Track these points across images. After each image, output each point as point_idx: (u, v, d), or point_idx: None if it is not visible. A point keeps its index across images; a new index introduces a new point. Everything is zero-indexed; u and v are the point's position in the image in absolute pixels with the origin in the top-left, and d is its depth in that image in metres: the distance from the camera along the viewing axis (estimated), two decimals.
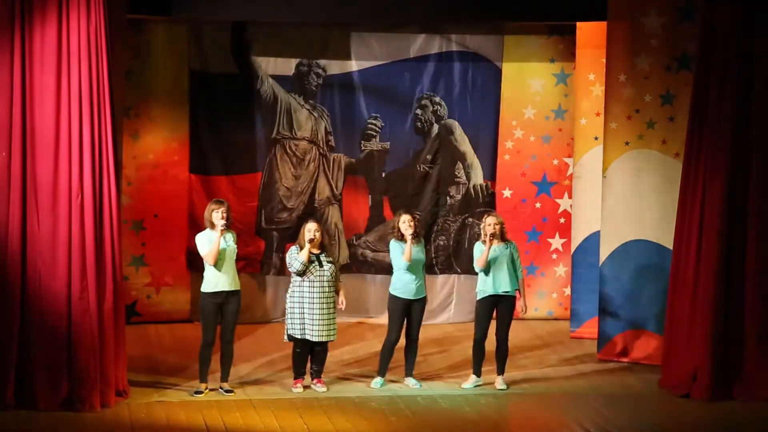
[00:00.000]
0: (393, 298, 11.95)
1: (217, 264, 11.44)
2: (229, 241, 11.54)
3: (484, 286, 11.91)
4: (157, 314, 14.27)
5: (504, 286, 11.87)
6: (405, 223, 11.85)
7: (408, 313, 11.92)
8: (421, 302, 11.98)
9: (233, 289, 11.56)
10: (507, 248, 11.92)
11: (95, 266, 11.00)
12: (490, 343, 12.00)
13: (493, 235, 11.81)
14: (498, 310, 11.95)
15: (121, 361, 11.34)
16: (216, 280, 11.51)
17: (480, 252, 11.89)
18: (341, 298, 11.83)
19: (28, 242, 10.95)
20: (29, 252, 10.95)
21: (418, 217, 12.24)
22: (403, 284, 11.90)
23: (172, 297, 14.28)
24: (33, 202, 10.95)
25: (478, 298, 11.99)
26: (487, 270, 11.86)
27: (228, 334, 11.61)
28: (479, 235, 12.12)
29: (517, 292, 11.95)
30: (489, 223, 11.87)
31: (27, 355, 10.98)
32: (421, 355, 12.50)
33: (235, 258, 11.61)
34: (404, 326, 11.94)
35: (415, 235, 11.85)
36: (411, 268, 11.84)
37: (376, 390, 11.89)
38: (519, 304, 12.00)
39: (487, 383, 12.06)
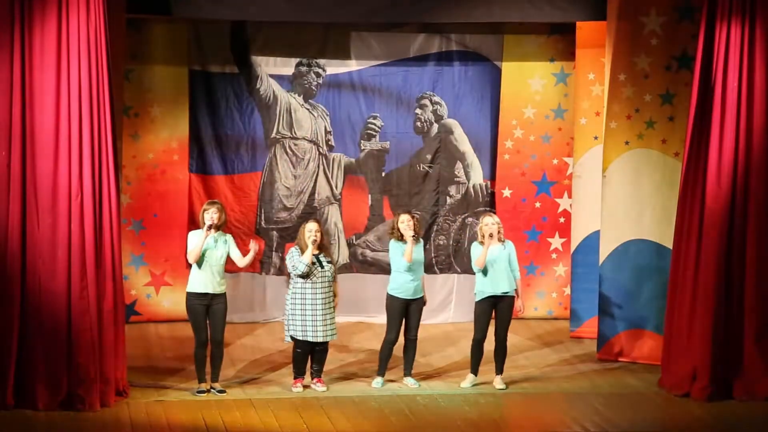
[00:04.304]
0: (390, 298, 11.95)
1: (199, 264, 11.47)
2: (218, 244, 11.54)
3: (483, 286, 11.91)
4: (156, 314, 14.28)
5: (503, 286, 11.87)
6: (404, 223, 11.84)
7: (406, 314, 11.93)
8: (419, 302, 11.98)
9: (217, 292, 11.56)
10: (505, 248, 11.93)
11: (95, 266, 11.01)
12: (489, 342, 12.02)
13: (491, 236, 11.81)
14: (497, 310, 11.95)
15: (120, 360, 11.34)
16: (200, 282, 11.52)
17: (478, 252, 11.89)
18: (337, 299, 11.88)
19: (27, 242, 10.95)
20: (29, 252, 10.96)
21: (417, 217, 12.24)
22: (400, 284, 11.89)
23: (171, 296, 14.27)
24: (33, 202, 10.95)
25: (477, 299, 11.99)
26: (485, 270, 11.87)
27: (218, 335, 11.61)
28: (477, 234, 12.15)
29: (515, 291, 11.97)
30: (486, 223, 11.88)
31: (27, 355, 10.99)
32: (421, 354, 12.50)
33: (223, 262, 11.59)
34: (402, 326, 11.96)
35: (415, 236, 11.86)
36: (411, 268, 11.85)
37: (375, 389, 11.90)
38: (518, 304, 12.01)
39: (485, 382, 12.08)
